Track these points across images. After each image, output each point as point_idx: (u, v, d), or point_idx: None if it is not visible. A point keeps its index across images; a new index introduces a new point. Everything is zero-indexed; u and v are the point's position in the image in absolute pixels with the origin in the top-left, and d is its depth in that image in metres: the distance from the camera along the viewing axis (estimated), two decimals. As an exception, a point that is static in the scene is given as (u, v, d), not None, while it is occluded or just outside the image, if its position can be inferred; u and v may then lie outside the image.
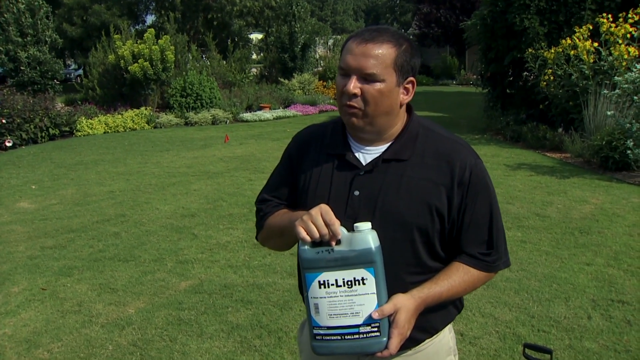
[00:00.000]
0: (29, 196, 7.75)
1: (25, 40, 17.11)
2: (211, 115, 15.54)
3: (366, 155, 1.52)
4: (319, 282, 1.37)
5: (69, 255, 5.28)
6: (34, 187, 8.33)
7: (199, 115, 15.45)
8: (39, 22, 17.27)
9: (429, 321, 1.55)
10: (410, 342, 1.54)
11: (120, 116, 14.87)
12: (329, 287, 1.37)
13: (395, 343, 1.37)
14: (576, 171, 7.98)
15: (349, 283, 1.36)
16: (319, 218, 1.35)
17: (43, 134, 13.05)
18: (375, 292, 1.36)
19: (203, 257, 5.06)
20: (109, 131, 14.33)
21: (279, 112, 16.55)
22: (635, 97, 7.38)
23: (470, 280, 1.51)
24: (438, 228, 1.49)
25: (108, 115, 15.04)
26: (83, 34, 30.61)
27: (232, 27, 32.78)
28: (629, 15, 8.84)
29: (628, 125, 7.45)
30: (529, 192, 6.82)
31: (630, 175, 7.51)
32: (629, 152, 7.32)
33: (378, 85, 1.43)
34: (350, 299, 1.36)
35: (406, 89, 1.50)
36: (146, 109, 15.69)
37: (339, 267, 1.36)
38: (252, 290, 4.29)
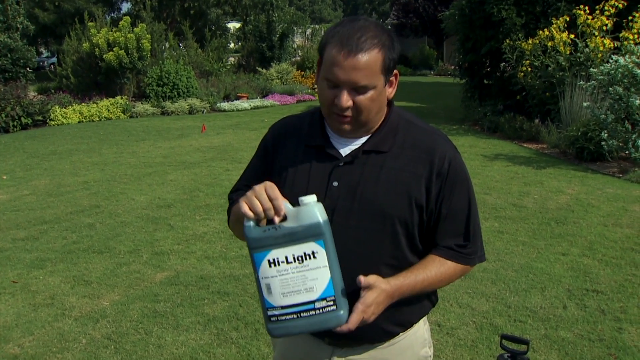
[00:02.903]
0: (0, 187, 7.58)
1: (-5, 26, 16.71)
2: (188, 105, 15.36)
3: (345, 146, 1.50)
4: (269, 260, 1.33)
5: (41, 247, 5.17)
6: (5, 177, 8.14)
7: (176, 104, 15.26)
8: (8, 7, 16.87)
9: (403, 314, 1.54)
10: (385, 336, 1.55)
11: (95, 105, 14.60)
12: (279, 264, 1.33)
13: (355, 319, 1.32)
14: (552, 162, 8.06)
15: (300, 258, 1.32)
16: (263, 193, 1.32)
17: (15, 123, 12.77)
18: (327, 265, 1.32)
19: (179, 249, 4.99)
20: (84, 120, 14.08)
21: (257, 101, 16.43)
22: (610, 89, 7.45)
23: (447, 272, 1.49)
24: (417, 220, 1.47)
25: (83, 104, 14.76)
26: (56, 20, 29.97)
27: (209, 15, 32.43)
28: (605, 8, 8.93)
29: (603, 116, 7.53)
30: (506, 182, 6.87)
31: (604, 166, 7.61)
32: (603, 143, 7.40)
33: (370, 94, 1.39)
34: (303, 275, 1.33)
35: (390, 82, 1.48)
36: (122, 98, 15.44)
37: (287, 243, 1.32)
38: (228, 282, 4.25)
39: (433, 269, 1.47)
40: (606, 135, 7.39)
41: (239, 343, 3.38)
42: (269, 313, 1.37)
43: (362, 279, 1.34)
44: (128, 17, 16.83)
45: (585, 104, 8.14)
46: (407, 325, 1.57)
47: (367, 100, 1.39)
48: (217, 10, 32.76)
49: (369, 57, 1.35)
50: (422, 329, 1.64)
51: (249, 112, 15.25)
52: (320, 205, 1.33)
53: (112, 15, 33.52)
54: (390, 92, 1.49)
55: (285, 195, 1.40)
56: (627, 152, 7.46)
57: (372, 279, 1.35)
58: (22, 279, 4.45)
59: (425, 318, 1.66)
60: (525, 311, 3.66)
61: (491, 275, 4.21)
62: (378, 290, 1.36)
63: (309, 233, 1.31)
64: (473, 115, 11.82)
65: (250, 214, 1.31)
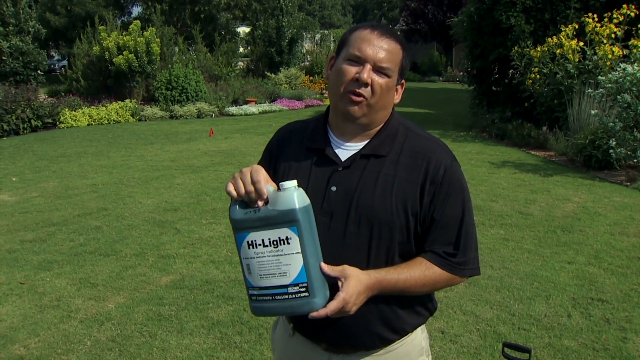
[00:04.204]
0: (9, 188, 7.64)
1: (7, 29, 16.84)
2: (196, 109, 15.43)
3: (345, 151, 1.52)
4: (248, 242, 1.37)
5: (49, 249, 5.21)
6: (14, 179, 8.21)
7: (184, 108, 15.33)
8: (21, 11, 17.00)
9: (399, 321, 1.53)
10: (380, 342, 1.54)
11: (104, 108, 14.70)
12: (256, 247, 1.37)
13: (334, 306, 1.33)
14: (560, 169, 8.04)
15: (275, 243, 1.35)
16: (247, 175, 1.36)
17: (25, 126, 12.86)
18: (300, 251, 1.34)
19: (185, 252, 5.02)
20: (93, 123, 14.17)
21: (265, 106, 16.47)
22: (618, 97, 7.43)
23: (431, 277, 1.47)
24: (413, 227, 1.47)
25: (92, 107, 14.85)
26: (67, 24, 30.24)
27: (219, 20, 32.58)
28: (614, 16, 8.91)
29: (611, 124, 7.50)
30: (512, 190, 6.85)
31: (612, 174, 7.57)
32: (611, 151, 7.38)
33: (386, 79, 1.45)
34: (277, 259, 1.35)
35: (396, 90, 1.53)
36: (131, 101, 15.52)
37: (264, 227, 1.35)
38: (233, 286, 4.26)
39: (418, 270, 1.45)
40: (614, 143, 7.36)
41: (243, 347, 3.39)
42: (250, 292, 1.43)
43: (327, 268, 1.36)
44: (138, 22, 16.93)
45: (593, 112, 8.12)
46: (402, 332, 1.56)
47: (384, 83, 1.45)
48: (227, 15, 32.90)
49: (395, 46, 1.46)
50: (419, 337, 1.63)
51: (257, 117, 15.30)
52: (300, 192, 1.35)
53: (123, 19, 33.77)
54: (396, 99, 1.54)
55: None
56: (635, 160, 7.43)
57: (342, 268, 1.37)
58: (29, 281, 4.49)
59: (423, 326, 1.65)
60: (530, 319, 3.65)
61: (496, 282, 4.21)
62: (356, 279, 1.36)
63: (283, 219, 1.33)
64: (481, 122, 11.80)
65: (234, 193, 1.36)
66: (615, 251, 4.81)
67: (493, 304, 3.87)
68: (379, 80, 1.43)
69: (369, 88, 1.43)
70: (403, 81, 1.54)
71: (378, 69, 1.43)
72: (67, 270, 4.68)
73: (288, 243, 1.34)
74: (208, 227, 5.70)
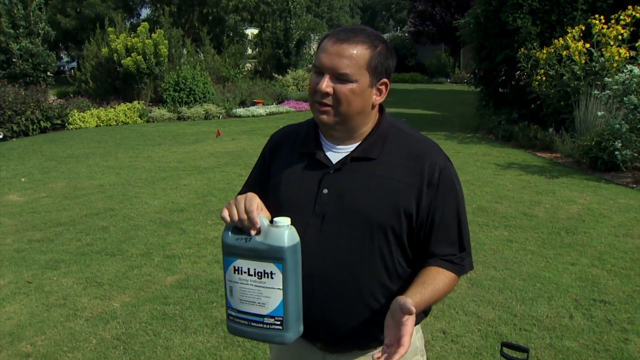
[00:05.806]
0: (18, 189, 7.73)
1: (17, 32, 16.98)
2: (204, 110, 15.50)
3: (336, 154, 1.53)
4: (234, 267, 1.42)
5: (56, 248, 5.27)
6: (23, 179, 8.30)
7: (192, 110, 15.41)
8: (31, 13, 17.15)
9: None
10: (375, 342, 1.54)
11: (112, 110, 14.80)
12: (241, 274, 1.41)
13: (407, 341, 1.27)
14: (565, 171, 8.02)
15: (259, 274, 1.39)
16: (242, 204, 1.38)
17: (34, 127, 12.97)
18: (281, 288, 1.38)
19: (190, 252, 5.06)
20: (101, 125, 14.28)
21: (273, 107, 16.53)
22: (625, 99, 7.41)
23: (450, 284, 1.49)
24: (406, 228, 1.48)
25: (101, 108, 14.96)
26: (77, 26, 30.43)
27: (227, 22, 32.68)
28: (621, 17, 8.89)
29: (617, 126, 7.49)
30: (517, 191, 6.85)
31: (618, 176, 7.56)
32: (617, 153, 7.36)
33: (350, 85, 1.44)
34: (259, 290, 1.40)
35: (379, 90, 1.51)
36: (139, 102, 15.62)
37: (251, 257, 1.39)
38: (237, 286, 4.29)
39: (440, 282, 1.46)
40: (620, 145, 7.35)
41: (245, 346, 3.43)
42: (229, 312, 1.47)
43: (408, 304, 1.27)
44: (146, 23, 17.05)
45: (599, 114, 8.10)
46: None
47: (348, 91, 1.44)
48: (235, 17, 33.00)
49: (355, 50, 1.43)
50: (414, 337, 1.62)
51: (264, 118, 15.35)
52: (291, 230, 1.38)
53: (132, 20, 33.94)
54: (378, 99, 1.51)
55: (278, 201, 1.44)
56: (641, 162, 7.41)
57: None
58: (37, 280, 4.55)
59: (418, 327, 1.66)
60: (531, 320, 3.66)
61: (498, 283, 4.22)
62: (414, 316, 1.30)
63: (270, 254, 1.37)
64: (487, 123, 11.78)
65: (228, 219, 1.39)
66: (619, 253, 4.81)
67: (495, 305, 3.88)
68: (341, 87, 1.43)
69: (331, 97, 1.44)
70: (385, 80, 1.50)
71: (338, 77, 1.43)
72: (74, 270, 4.73)
73: (272, 277, 1.38)
74: (213, 227, 5.74)
